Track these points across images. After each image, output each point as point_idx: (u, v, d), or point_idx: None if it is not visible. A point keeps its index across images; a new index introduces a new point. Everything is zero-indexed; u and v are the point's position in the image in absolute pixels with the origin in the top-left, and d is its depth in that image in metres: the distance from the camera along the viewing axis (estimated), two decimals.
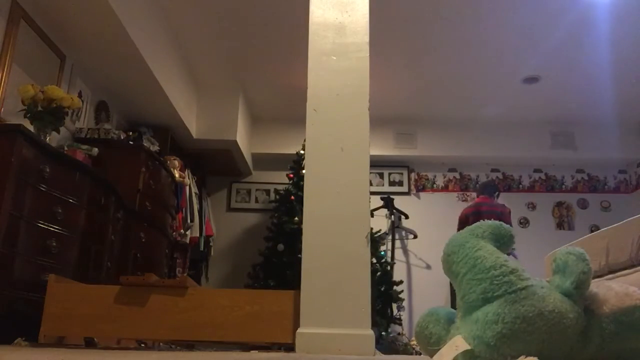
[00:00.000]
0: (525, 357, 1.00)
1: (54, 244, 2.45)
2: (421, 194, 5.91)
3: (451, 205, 5.83)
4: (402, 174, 5.94)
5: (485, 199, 4.70)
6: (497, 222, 1.19)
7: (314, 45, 2.48)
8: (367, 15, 2.53)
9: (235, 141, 5.03)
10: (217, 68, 4.82)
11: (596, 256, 2.75)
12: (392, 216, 5.69)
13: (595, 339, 1.08)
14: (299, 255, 2.24)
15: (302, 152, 4.97)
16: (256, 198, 5.92)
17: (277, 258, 4.54)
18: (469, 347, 1.03)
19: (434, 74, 4.87)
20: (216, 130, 5.02)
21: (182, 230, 4.71)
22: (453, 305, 5.04)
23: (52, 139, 3.02)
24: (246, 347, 2.50)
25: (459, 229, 4.24)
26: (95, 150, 3.46)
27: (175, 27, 4.19)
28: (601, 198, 5.86)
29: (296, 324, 2.11)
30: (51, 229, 2.45)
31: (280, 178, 5.70)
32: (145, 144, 4.03)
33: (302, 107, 2.48)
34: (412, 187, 5.92)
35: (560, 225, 5.78)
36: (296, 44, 4.27)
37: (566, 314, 1.05)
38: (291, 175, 4.93)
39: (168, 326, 2.14)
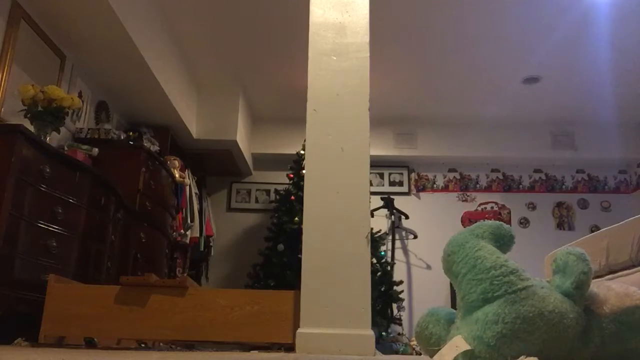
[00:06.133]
0: (526, 357, 1.00)
1: (54, 244, 2.45)
2: (421, 194, 5.91)
3: (451, 206, 5.83)
4: (402, 174, 5.94)
5: None
6: (497, 222, 1.19)
7: (314, 45, 2.48)
8: (367, 16, 2.52)
9: (235, 141, 5.03)
10: (217, 68, 4.82)
11: (596, 256, 2.75)
12: (392, 216, 5.69)
13: (596, 339, 1.08)
14: (299, 255, 2.24)
15: (302, 152, 4.97)
16: (256, 198, 5.91)
17: (277, 258, 4.54)
18: (469, 347, 1.03)
19: (434, 74, 4.87)
20: (216, 130, 5.02)
21: (182, 230, 4.71)
22: (453, 305, 5.04)
23: (52, 139, 3.02)
24: (246, 347, 2.50)
25: None
26: (96, 150, 3.46)
27: (175, 27, 4.19)
28: (601, 198, 5.85)
29: (296, 324, 2.11)
30: (51, 229, 2.45)
31: (281, 178, 5.71)
32: (145, 144, 4.03)
33: (302, 107, 2.48)
34: (412, 187, 5.92)
35: (560, 226, 5.77)
36: (296, 44, 4.27)
37: (566, 314, 1.05)
38: (291, 175, 4.93)
39: (168, 326, 2.14)
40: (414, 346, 4.42)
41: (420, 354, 3.78)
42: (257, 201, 5.90)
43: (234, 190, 5.93)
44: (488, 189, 5.91)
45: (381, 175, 5.92)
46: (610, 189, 5.89)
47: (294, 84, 5.00)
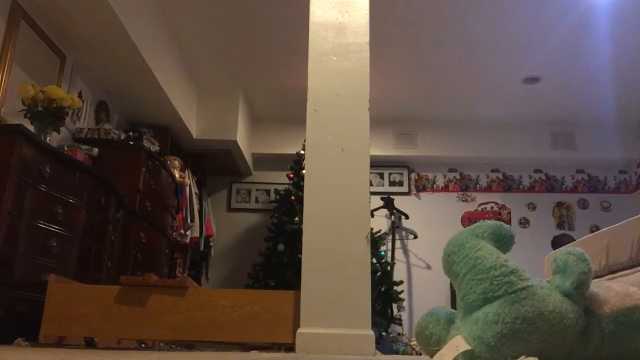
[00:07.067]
0: (526, 358, 1.00)
1: (54, 244, 2.45)
2: (421, 194, 5.91)
3: (451, 206, 5.83)
4: (402, 174, 5.93)
5: None
6: (497, 222, 1.19)
7: (314, 45, 2.48)
8: (367, 15, 2.53)
9: (236, 141, 5.03)
10: (217, 68, 4.81)
11: (596, 256, 2.75)
12: (392, 216, 5.68)
13: (596, 339, 1.08)
14: (299, 255, 2.25)
15: (302, 152, 4.96)
16: (256, 198, 5.91)
17: (277, 258, 4.54)
18: (469, 348, 1.03)
19: (434, 74, 4.87)
20: (216, 130, 5.02)
21: (182, 231, 4.70)
22: (453, 305, 5.05)
23: (52, 139, 3.02)
24: (246, 347, 2.50)
25: None
26: (96, 150, 3.46)
27: (175, 27, 4.19)
28: (601, 198, 5.85)
29: (296, 324, 2.11)
30: (51, 229, 2.45)
31: (281, 178, 5.70)
32: (145, 144, 4.03)
33: (302, 107, 2.48)
34: (412, 187, 5.92)
35: (560, 226, 5.77)
36: (296, 44, 4.27)
37: (566, 314, 1.05)
38: (291, 175, 4.93)
39: (168, 326, 2.14)
40: (414, 346, 4.42)
41: (420, 354, 3.78)
42: (257, 201, 5.90)
43: (234, 190, 5.93)
44: (488, 189, 5.91)
45: (381, 175, 5.92)
46: (610, 189, 5.89)
47: (294, 84, 4.99)
